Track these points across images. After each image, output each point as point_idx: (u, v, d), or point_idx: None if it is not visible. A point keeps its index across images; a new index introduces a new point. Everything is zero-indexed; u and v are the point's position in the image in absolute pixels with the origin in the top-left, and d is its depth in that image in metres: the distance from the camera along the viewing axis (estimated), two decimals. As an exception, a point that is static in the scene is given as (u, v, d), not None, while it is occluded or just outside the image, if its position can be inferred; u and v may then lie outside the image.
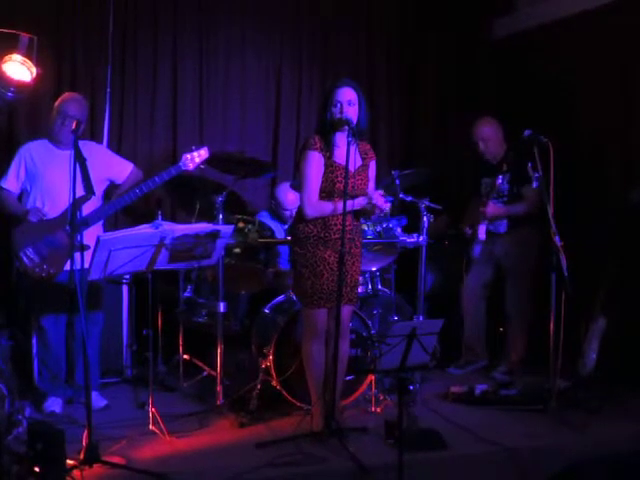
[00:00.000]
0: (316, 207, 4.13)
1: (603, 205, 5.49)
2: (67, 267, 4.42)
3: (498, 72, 6.55)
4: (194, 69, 6.07)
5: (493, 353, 5.76)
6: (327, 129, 4.14)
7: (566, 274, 4.47)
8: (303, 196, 4.17)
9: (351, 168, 4.02)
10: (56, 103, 4.74)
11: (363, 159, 4.24)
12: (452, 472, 3.96)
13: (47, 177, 4.66)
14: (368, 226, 4.92)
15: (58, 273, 4.52)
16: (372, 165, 4.32)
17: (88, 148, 4.54)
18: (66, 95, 4.83)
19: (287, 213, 5.65)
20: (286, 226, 5.68)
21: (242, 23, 6.18)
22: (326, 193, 4.14)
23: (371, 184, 4.31)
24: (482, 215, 5.41)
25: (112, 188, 4.91)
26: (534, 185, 4.59)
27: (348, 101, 4.09)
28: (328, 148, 4.15)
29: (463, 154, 5.87)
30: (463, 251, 5.66)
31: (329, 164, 4.13)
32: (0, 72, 4.88)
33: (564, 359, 4.59)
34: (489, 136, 5.57)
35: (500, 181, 5.32)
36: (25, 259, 4.53)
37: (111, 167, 4.88)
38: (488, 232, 5.44)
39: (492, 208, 5.40)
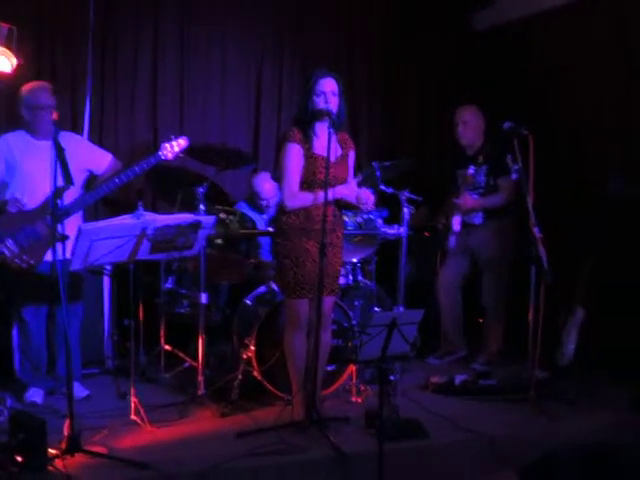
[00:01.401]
0: (296, 198, 4.15)
1: (582, 196, 5.54)
2: (47, 258, 4.41)
3: (479, 65, 6.57)
4: (175, 61, 6.06)
5: (472, 344, 5.80)
6: (307, 119, 4.15)
7: (545, 265, 4.51)
8: (283, 188, 4.18)
9: (331, 158, 4.05)
10: (24, 94, 4.65)
11: (342, 148, 4.27)
12: (432, 461, 4.00)
13: (25, 168, 4.63)
14: (349, 217, 4.94)
15: (38, 264, 4.49)
16: (351, 155, 4.35)
17: (66, 139, 4.51)
18: (34, 85, 4.70)
19: (264, 203, 5.66)
20: (264, 216, 5.69)
21: (224, 17, 6.18)
22: (307, 184, 4.16)
23: (350, 174, 4.34)
24: (457, 207, 5.44)
25: (91, 179, 4.90)
26: (513, 177, 4.63)
27: (331, 91, 4.12)
28: (307, 139, 4.16)
29: (443, 145, 5.89)
30: (437, 243, 5.70)
31: (309, 155, 4.15)
32: (-20, 62, 4.87)
33: (543, 350, 4.62)
34: (469, 119, 5.60)
35: (472, 171, 5.36)
36: (4, 250, 4.50)
37: (90, 157, 4.86)
38: (463, 223, 5.48)
39: (468, 200, 5.44)
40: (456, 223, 5.44)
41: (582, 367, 4.88)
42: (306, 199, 4.14)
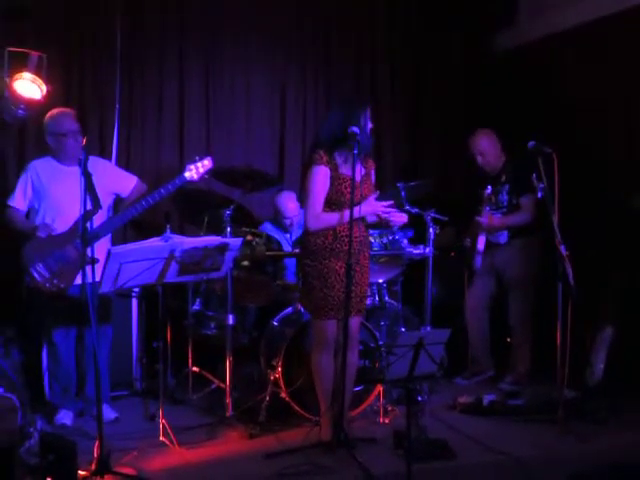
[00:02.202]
0: (319, 219, 4.17)
1: (608, 214, 5.51)
2: (77, 281, 4.48)
3: (501, 84, 6.59)
4: (200, 86, 6.15)
5: (500, 364, 5.77)
6: (337, 143, 4.18)
7: (572, 283, 4.49)
8: (307, 209, 4.22)
9: (357, 178, 4.09)
10: (48, 122, 4.72)
11: (365, 168, 4.30)
12: (460, 481, 3.98)
13: (54, 193, 4.71)
14: (374, 238, 4.95)
15: (68, 287, 4.56)
16: (372, 172, 4.40)
17: (92, 163, 4.56)
18: (57, 112, 4.77)
19: (288, 222, 5.69)
20: (288, 235, 5.73)
21: (246, 41, 6.26)
22: (336, 205, 4.19)
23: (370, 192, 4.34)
24: (479, 226, 5.45)
25: (117, 202, 4.96)
26: (539, 195, 4.62)
27: (369, 120, 4.21)
28: (334, 161, 4.20)
29: (468, 165, 5.91)
30: (464, 263, 5.67)
31: (336, 176, 4.17)
32: (11, 90, 4.97)
33: (571, 369, 4.58)
34: (486, 149, 5.59)
35: (489, 191, 5.38)
36: (35, 275, 4.57)
37: (116, 181, 4.93)
38: (488, 243, 5.46)
39: (489, 219, 5.43)
40: (480, 243, 5.42)
41: (612, 387, 4.84)
42: (331, 219, 4.16)
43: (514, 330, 5.64)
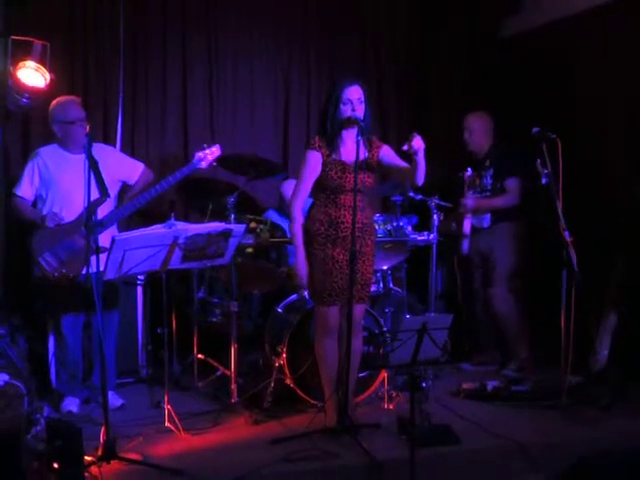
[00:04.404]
0: (296, 206, 4.25)
1: (610, 200, 5.50)
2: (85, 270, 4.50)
3: (505, 70, 6.56)
4: (203, 73, 6.14)
5: (505, 351, 5.77)
6: (334, 127, 4.19)
7: (576, 269, 4.49)
8: (294, 192, 4.27)
9: (351, 161, 4.11)
10: (54, 110, 4.75)
11: (368, 152, 4.27)
12: (464, 467, 3.98)
13: (61, 182, 4.71)
14: (379, 225, 4.95)
15: (77, 276, 4.56)
16: (385, 149, 4.33)
17: (98, 150, 4.58)
18: (63, 99, 4.81)
19: None
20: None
21: (249, 27, 6.25)
22: (330, 190, 4.20)
23: (399, 161, 4.31)
24: (465, 209, 5.43)
25: (125, 189, 4.97)
26: (543, 181, 4.61)
27: (358, 99, 4.15)
28: (331, 146, 4.20)
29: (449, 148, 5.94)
30: (453, 248, 5.64)
31: (328, 162, 4.19)
32: (15, 78, 4.97)
33: (576, 355, 4.59)
34: (475, 127, 5.66)
35: (469, 174, 5.38)
36: (44, 264, 4.58)
37: (123, 168, 4.93)
38: (472, 227, 5.48)
39: (475, 200, 5.43)
40: (466, 226, 5.43)
41: (616, 372, 4.84)
42: (295, 229, 4.26)
43: (501, 316, 5.59)
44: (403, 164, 4.27)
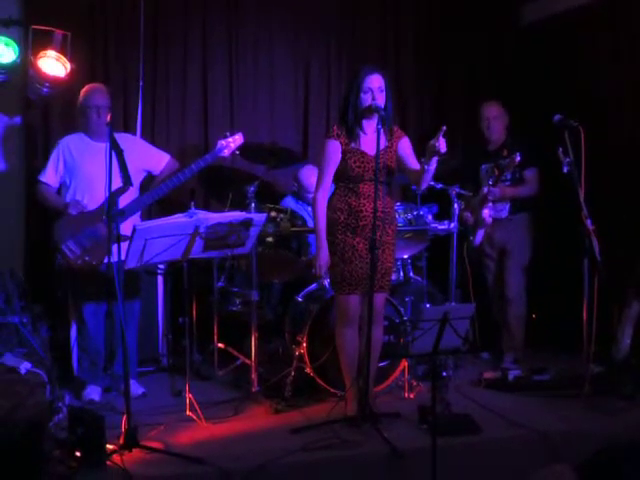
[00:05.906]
0: (320, 196, 4.22)
1: (635, 188, 5.45)
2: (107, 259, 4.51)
3: (526, 56, 6.50)
4: (224, 63, 6.12)
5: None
6: (355, 116, 4.17)
7: (599, 258, 4.46)
8: (317, 182, 4.26)
9: (373, 152, 4.08)
10: (81, 96, 4.79)
11: (388, 140, 4.25)
12: (485, 456, 3.97)
13: (85, 170, 4.72)
14: (399, 213, 4.93)
15: (100, 264, 4.57)
16: (404, 142, 4.31)
17: (125, 140, 4.60)
18: (89, 87, 4.84)
19: (310, 196, 5.64)
20: (310, 209, 5.71)
21: (270, 15, 6.22)
22: (349, 180, 4.19)
23: (411, 159, 4.30)
24: (485, 198, 5.33)
25: (149, 179, 4.98)
26: (564, 170, 4.57)
27: (378, 88, 4.12)
28: (351, 135, 4.18)
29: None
30: (465, 239, 5.50)
31: (347, 150, 4.17)
32: (35, 68, 5.00)
33: (598, 345, 4.56)
34: (494, 115, 5.58)
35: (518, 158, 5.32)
36: (67, 251, 4.60)
37: (148, 158, 4.94)
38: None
39: (498, 189, 5.32)
40: (486, 215, 5.33)
41: (638, 362, 4.80)
42: (319, 213, 4.24)
43: (512, 303, 5.55)
44: (413, 165, 4.26)
